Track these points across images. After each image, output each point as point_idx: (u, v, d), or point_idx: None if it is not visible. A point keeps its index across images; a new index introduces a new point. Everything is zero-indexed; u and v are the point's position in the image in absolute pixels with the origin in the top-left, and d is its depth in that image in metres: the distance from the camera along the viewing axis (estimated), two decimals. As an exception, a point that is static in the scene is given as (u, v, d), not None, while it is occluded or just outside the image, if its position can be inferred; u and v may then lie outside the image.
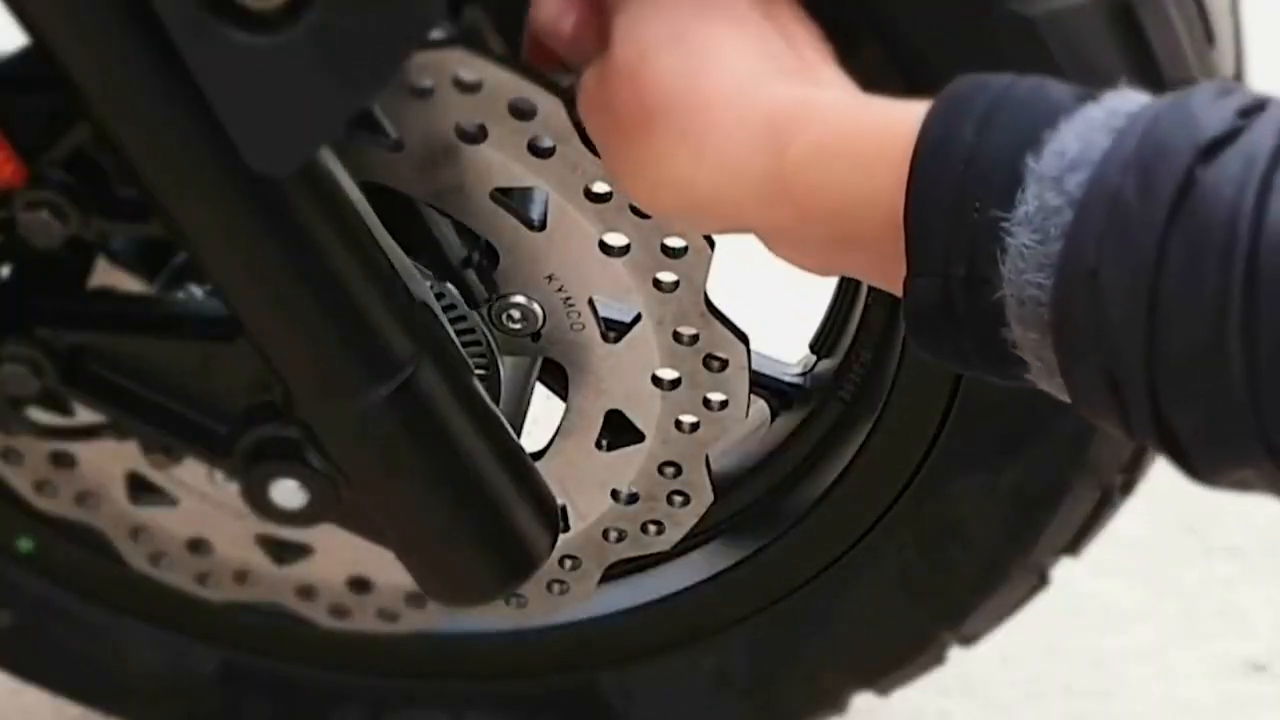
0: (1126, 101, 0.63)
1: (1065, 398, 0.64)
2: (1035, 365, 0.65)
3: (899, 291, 0.68)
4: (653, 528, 0.97)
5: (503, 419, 0.87)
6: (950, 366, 0.69)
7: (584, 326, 0.89)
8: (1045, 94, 0.65)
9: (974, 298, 0.64)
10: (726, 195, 0.72)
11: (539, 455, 0.95)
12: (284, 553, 0.99)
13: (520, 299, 0.89)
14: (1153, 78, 0.82)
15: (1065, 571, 1.05)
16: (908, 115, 0.67)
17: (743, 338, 0.89)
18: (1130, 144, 0.60)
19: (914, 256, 0.66)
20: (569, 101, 0.81)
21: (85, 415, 0.89)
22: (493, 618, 1.03)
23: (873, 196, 0.67)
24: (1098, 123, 0.62)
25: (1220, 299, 0.57)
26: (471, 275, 0.92)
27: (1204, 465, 0.61)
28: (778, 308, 1.24)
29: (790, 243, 0.73)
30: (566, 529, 0.97)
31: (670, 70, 0.73)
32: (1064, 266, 0.61)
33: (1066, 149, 0.62)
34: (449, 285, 0.91)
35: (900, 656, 1.08)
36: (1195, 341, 0.58)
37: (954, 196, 0.64)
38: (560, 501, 0.92)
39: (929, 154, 0.65)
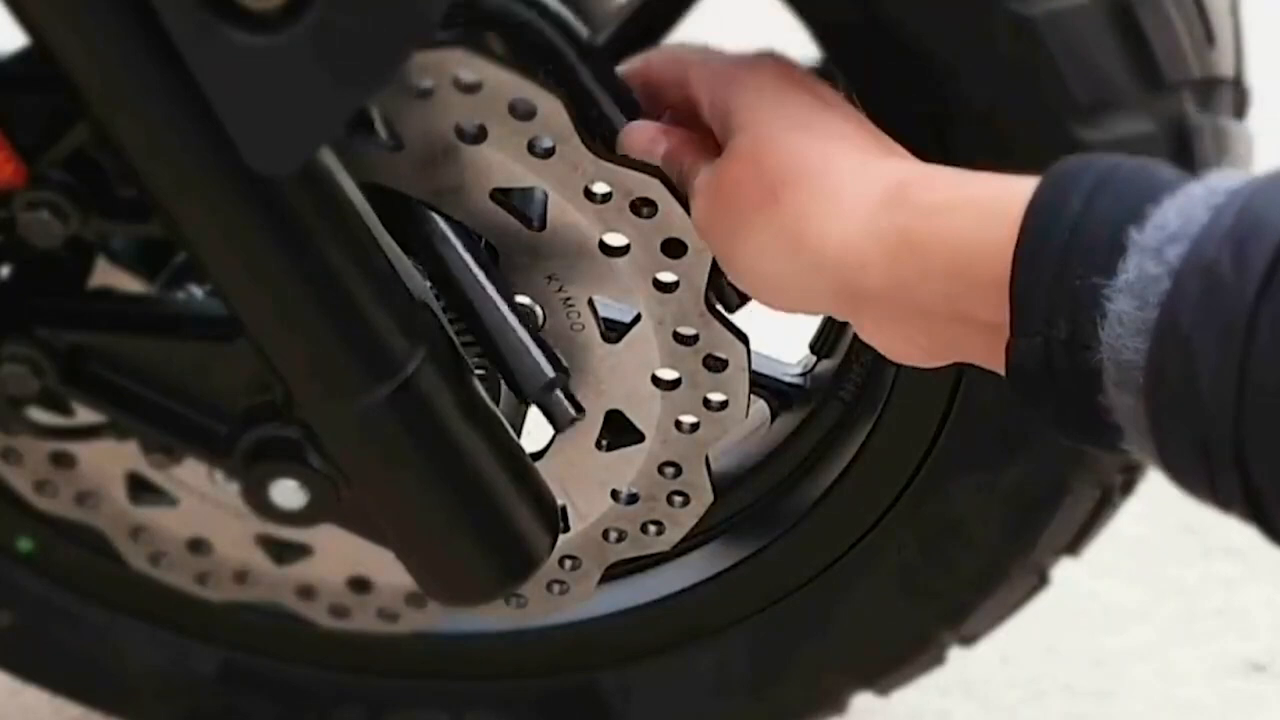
0: (1227, 179, 0.65)
1: (1158, 465, 0.67)
2: (1129, 431, 0.67)
3: (1001, 370, 0.70)
4: (653, 528, 0.97)
5: (503, 419, 0.87)
6: (1049, 429, 0.71)
7: (584, 326, 0.89)
8: (1150, 172, 0.67)
9: (1074, 361, 0.66)
10: (853, 250, 0.75)
11: (539, 455, 0.95)
12: (284, 553, 1.00)
13: (520, 299, 0.89)
14: (1153, 78, 0.82)
15: (1065, 571, 1.05)
16: (1020, 183, 0.70)
17: (743, 338, 0.89)
18: (1227, 219, 0.62)
19: (1018, 317, 0.68)
20: (568, 102, 0.81)
21: (85, 415, 0.90)
22: (493, 618, 1.03)
23: (989, 252, 0.70)
24: (1198, 198, 0.64)
25: None
26: (557, 396, 0.90)
27: None
28: (778, 308, 1.23)
29: (904, 311, 0.75)
30: (566, 529, 0.97)
31: (796, 149, 0.77)
32: (1160, 333, 0.63)
33: (1168, 223, 0.64)
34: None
35: (900, 656, 1.08)
36: None
37: (1059, 262, 0.67)
38: (560, 501, 0.92)
39: (1037, 220, 0.68)
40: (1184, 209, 0.64)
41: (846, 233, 0.75)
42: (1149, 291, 0.63)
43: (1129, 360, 0.64)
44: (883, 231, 0.74)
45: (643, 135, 0.85)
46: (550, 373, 0.89)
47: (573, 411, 0.90)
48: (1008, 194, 0.70)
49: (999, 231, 0.69)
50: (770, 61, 0.83)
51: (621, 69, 0.90)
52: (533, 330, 0.89)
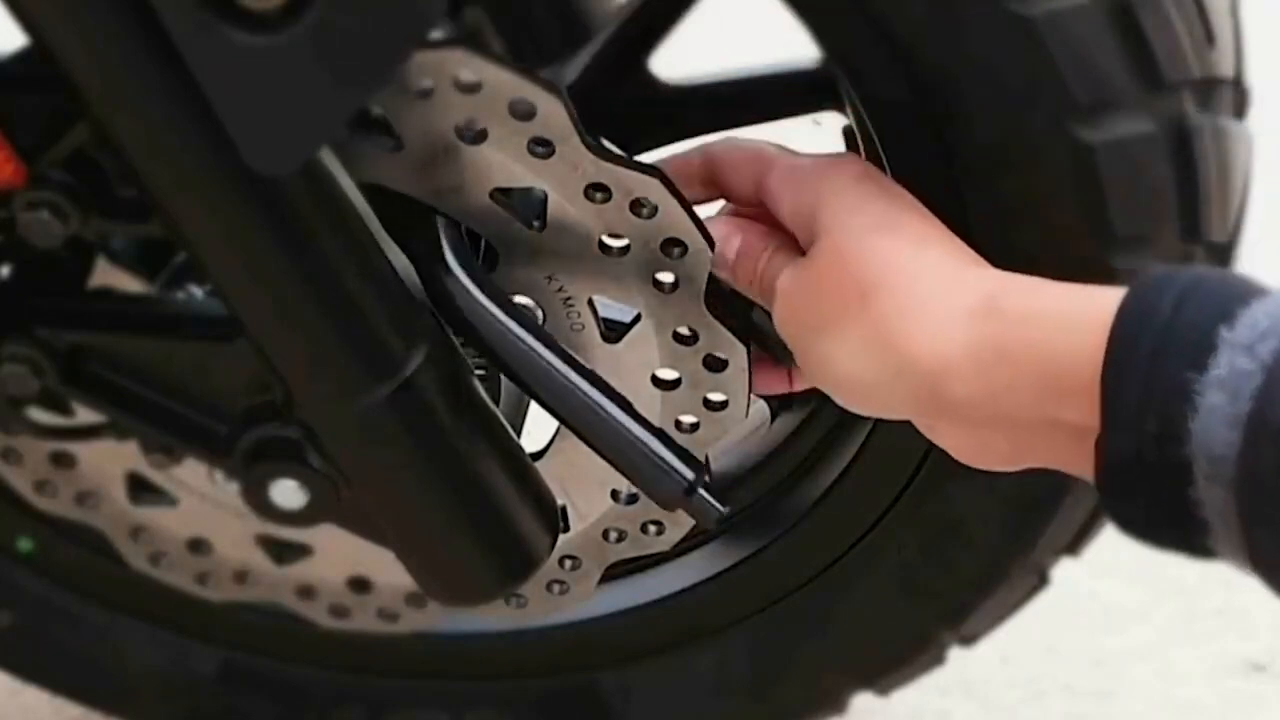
0: None
1: (1244, 563, 0.68)
2: (1218, 527, 0.68)
3: (1087, 473, 0.72)
4: (653, 528, 0.97)
5: (503, 419, 0.87)
6: (1133, 532, 0.73)
7: (584, 326, 0.89)
8: (1235, 280, 0.70)
9: (1164, 455, 0.68)
10: (942, 358, 0.76)
11: (539, 455, 0.95)
12: (284, 553, 1.00)
13: (520, 299, 0.89)
14: (1153, 78, 0.82)
15: (1065, 571, 1.05)
16: (1105, 293, 0.73)
17: (743, 339, 0.88)
18: None
19: (1109, 413, 0.70)
20: (568, 101, 0.81)
21: (85, 415, 0.89)
22: (493, 618, 1.03)
23: (1079, 358, 0.72)
24: None
25: None
26: (700, 496, 0.85)
27: None
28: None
29: (989, 418, 0.76)
30: (566, 529, 0.96)
31: (885, 251, 0.79)
32: (1252, 426, 0.65)
33: (1258, 322, 0.67)
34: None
35: (900, 656, 1.08)
36: None
37: (1150, 360, 0.69)
38: (560, 501, 0.92)
39: (1129, 319, 0.70)
40: (1272, 310, 0.67)
41: (937, 340, 0.76)
42: (1241, 386, 0.65)
43: (1220, 454, 0.66)
44: (973, 341, 0.75)
45: (715, 232, 0.85)
46: (689, 475, 0.85)
47: (720, 508, 0.86)
48: (1094, 303, 0.72)
49: (1087, 338, 0.71)
50: (853, 163, 0.84)
51: (683, 153, 0.90)
52: (659, 433, 0.85)
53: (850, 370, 0.80)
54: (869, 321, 0.78)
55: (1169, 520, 0.70)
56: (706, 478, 0.86)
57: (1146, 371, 0.69)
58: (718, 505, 0.86)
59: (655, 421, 0.91)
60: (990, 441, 0.78)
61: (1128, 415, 0.69)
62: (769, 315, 0.86)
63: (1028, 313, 0.75)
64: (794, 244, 0.85)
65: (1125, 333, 0.70)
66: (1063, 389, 0.73)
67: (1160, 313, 0.69)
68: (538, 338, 0.85)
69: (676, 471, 0.86)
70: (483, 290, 0.85)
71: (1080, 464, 0.74)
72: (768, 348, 0.90)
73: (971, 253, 0.81)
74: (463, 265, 0.85)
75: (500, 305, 0.85)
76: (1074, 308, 0.74)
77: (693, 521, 0.96)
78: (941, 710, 1.33)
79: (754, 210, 0.88)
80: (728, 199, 0.89)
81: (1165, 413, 0.68)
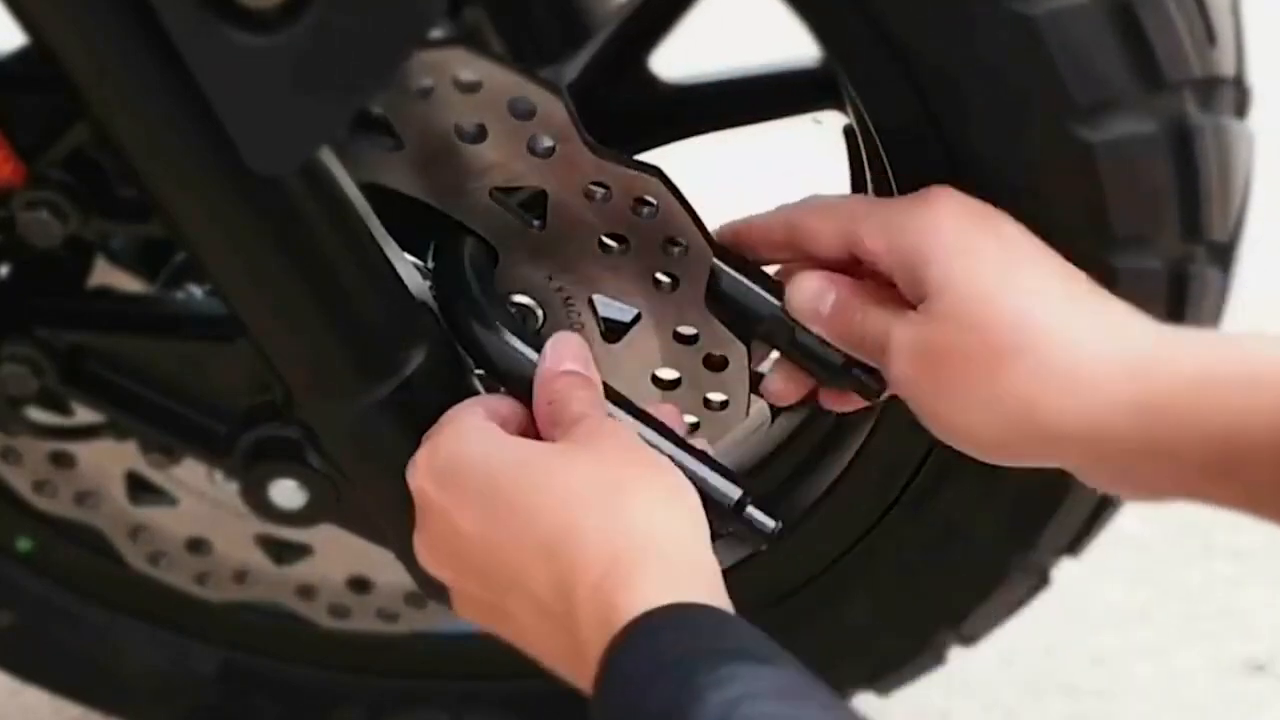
0: None
1: None
2: None
3: (1261, 513, 0.71)
4: (653, 528, 0.97)
5: (502, 419, 0.87)
6: None
7: (584, 326, 0.89)
8: None
9: None
10: (1096, 424, 0.74)
11: (539, 455, 0.95)
12: (284, 553, 1.00)
13: (520, 299, 0.89)
14: (1154, 77, 0.82)
15: (1065, 571, 1.05)
16: (1275, 342, 0.71)
17: (743, 338, 0.88)
18: None
19: None
20: (568, 101, 0.81)
21: (85, 415, 0.89)
22: (493, 618, 1.03)
23: (1263, 417, 0.70)
24: None
25: None
26: (750, 513, 0.82)
27: None
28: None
29: (1150, 471, 0.75)
30: (567, 529, 0.96)
31: (1009, 311, 0.76)
32: None
33: None
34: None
35: (900, 656, 1.08)
36: None
37: None
38: (560, 501, 0.92)
39: None
40: None
41: (1089, 407, 0.74)
42: None
43: None
44: (1130, 404, 0.73)
45: (808, 286, 0.83)
46: (734, 494, 0.82)
47: (771, 523, 0.83)
48: (1270, 354, 0.71)
49: (1270, 395, 0.70)
50: (944, 197, 0.81)
51: (761, 218, 0.87)
52: (704, 457, 0.83)
53: (991, 435, 0.77)
54: (1006, 387, 0.75)
55: None
56: (753, 490, 0.83)
57: None
58: (768, 521, 0.83)
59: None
60: (1148, 487, 0.76)
61: None
62: (826, 344, 0.84)
63: (1198, 374, 0.73)
64: (890, 293, 0.82)
65: None
66: (1245, 447, 0.71)
67: None
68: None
69: (720, 492, 0.82)
70: (503, 323, 0.84)
71: (1249, 510, 0.72)
72: (839, 382, 0.86)
73: (1090, 282, 0.78)
74: (488, 300, 0.84)
75: (520, 336, 0.84)
76: (1250, 368, 0.71)
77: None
78: (942, 710, 1.33)
79: (841, 266, 0.85)
80: (813, 260, 0.85)
81: None
